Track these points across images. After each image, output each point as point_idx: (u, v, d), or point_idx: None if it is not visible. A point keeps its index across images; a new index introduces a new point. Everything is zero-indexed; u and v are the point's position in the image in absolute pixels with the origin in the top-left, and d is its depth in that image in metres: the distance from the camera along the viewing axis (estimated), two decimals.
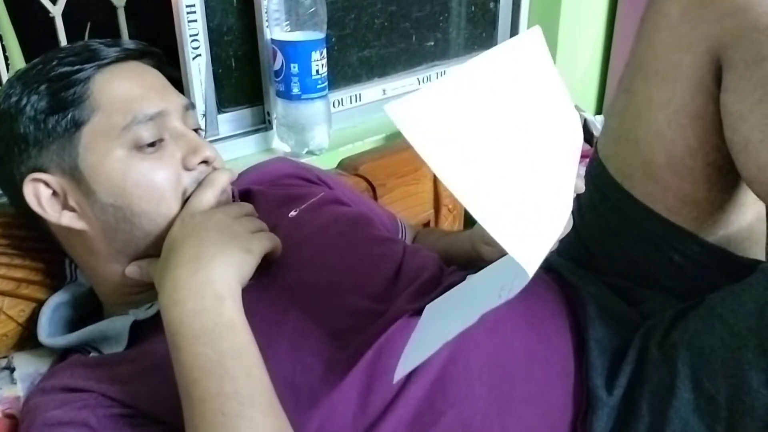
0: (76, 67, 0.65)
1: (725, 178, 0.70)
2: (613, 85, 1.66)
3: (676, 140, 0.70)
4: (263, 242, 0.64)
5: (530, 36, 0.51)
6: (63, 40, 1.04)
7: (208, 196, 0.66)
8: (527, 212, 0.46)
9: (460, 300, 0.53)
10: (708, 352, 0.62)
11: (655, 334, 0.68)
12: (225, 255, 0.59)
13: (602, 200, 0.78)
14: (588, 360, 0.68)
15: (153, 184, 0.64)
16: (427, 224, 1.18)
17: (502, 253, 0.44)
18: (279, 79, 1.09)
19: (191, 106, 0.71)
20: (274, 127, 1.16)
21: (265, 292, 0.67)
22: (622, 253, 0.78)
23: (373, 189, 1.09)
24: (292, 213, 0.76)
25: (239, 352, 0.55)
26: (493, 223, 0.42)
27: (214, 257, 0.59)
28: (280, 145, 1.16)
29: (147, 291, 0.69)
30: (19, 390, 0.71)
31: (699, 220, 0.73)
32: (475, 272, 0.53)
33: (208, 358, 0.54)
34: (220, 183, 0.67)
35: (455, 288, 0.51)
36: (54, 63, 0.66)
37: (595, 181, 0.79)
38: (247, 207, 0.69)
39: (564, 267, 0.81)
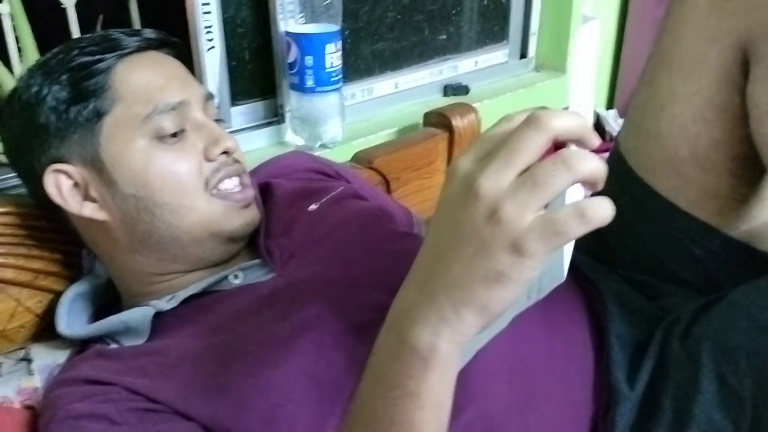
0: (97, 57, 0.65)
1: (749, 172, 0.70)
2: (625, 79, 1.66)
3: (701, 134, 0.69)
4: (530, 260, 0.37)
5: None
6: (75, 30, 1.04)
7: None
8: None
9: None
10: (732, 346, 0.62)
11: (676, 328, 0.68)
12: (457, 289, 0.39)
13: (623, 194, 0.77)
14: (609, 355, 0.68)
15: (176, 176, 0.64)
16: None
17: None
18: (293, 71, 1.08)
19: (211, 96, 0.71)
20: (287, 120, 1.16)
21: (287, 286, 0.66)
22: (643, 248, 0.78)
23: (387, 182, 1.09)
24: (312, 207, 0.76)
25: (405, 430, 0.43)
26: None
27: (441, 293, 0.39)
28: (293, 138, 1.16)
29: (168, 281, 0.69)
30: (37, 381, 0.71)
31: (722, 215, 0.72)
32: None
33: (371, 413, 0.45)
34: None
35: None
36: (75, 53, 0.66)
37: (616, 176, 0.78)
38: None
39: (582, 261, 0.80)
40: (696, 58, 0.68)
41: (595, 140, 0.39)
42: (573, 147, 0.39)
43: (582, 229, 0.36)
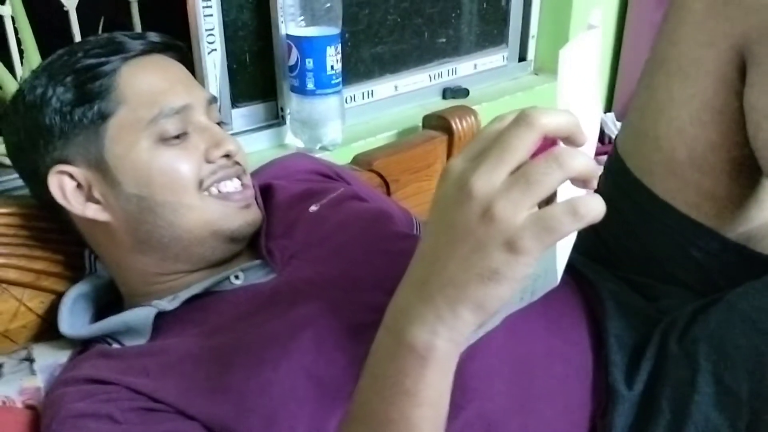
0: (102, 59, 0.65)
1: (746, 174, 0.70)
2: (624, 82, 1.66)
3: (698, 136, 0.70)
4: (525, 257, 0.37)
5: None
6: (77, 33, 1.04)
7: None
8: None
9: None
10: (730, 347, 0.62)
11: (674, 329, 0.68)
12: (453, 287, 0.39)
13: (621, 196, 0.78)
14: (607, 355, 0.68)
15: (177, 173, 0.65)
16: None
17: None
18: (294, 74, 1.09)
19: (214, 99, 0.72)
20: (288, 122, 1.17)
21: (287, 286, 0.67)
22: (641, 249, 0.78)
23: (387, 185, 1.09)
24: (313, 208, 0.76)
25: (402, 428, 0.43)
26: None
27: (438, 293, 0.40)
28: (293, 140, 1.16)
29: (170, 281, 0.69)
30: (39, 381, 0.71)
31: (719, 217, 0.73)
32: None
33: (369, 411, 0.45)
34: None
35: None
36: (80, 55, 0.66)
37: (615, 177, 0.79)
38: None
39: (580, 262, 0.81)
40: (693, 62, 0.69)
41: (585, 137, 0.40)
42: (562, 144, 0.39)
43: (575, 226, 0.36)
